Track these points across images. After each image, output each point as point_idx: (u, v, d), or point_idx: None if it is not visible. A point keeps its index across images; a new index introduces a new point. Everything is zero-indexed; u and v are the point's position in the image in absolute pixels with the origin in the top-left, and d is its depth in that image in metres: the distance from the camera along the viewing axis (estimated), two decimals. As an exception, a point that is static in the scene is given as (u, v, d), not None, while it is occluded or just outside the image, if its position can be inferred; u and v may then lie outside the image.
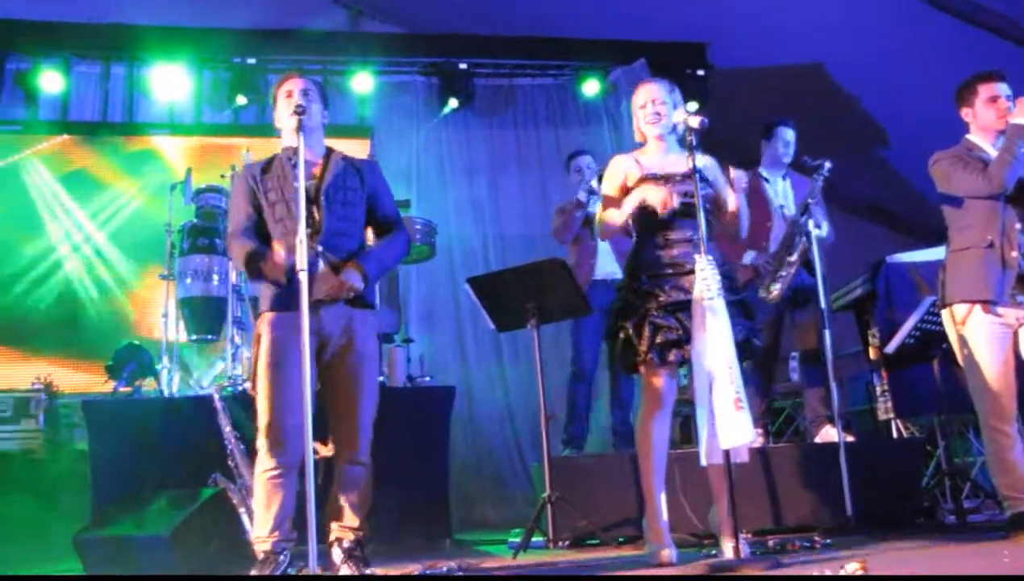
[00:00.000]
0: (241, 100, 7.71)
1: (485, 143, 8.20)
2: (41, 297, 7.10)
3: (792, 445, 5.25)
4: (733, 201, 3.76)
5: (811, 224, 4.88)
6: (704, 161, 3.75)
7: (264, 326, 3.51)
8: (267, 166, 3.64)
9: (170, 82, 7.68)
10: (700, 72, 7.97)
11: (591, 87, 8.20)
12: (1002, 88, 4.00)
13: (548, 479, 4.37)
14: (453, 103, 7.99)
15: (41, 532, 4.81)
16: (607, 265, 5.50)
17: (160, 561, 3.95)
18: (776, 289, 4.98)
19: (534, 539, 4.38)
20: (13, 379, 6.65)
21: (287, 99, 3.61)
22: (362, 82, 7.92)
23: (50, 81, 7.53)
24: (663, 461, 3.65)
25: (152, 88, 7.74)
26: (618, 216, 3.74)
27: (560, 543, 4.36)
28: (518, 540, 4.32)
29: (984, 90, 4.02)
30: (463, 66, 8.07)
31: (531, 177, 7.97)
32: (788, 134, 5.36)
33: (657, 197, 3.62)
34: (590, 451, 5.44)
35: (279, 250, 3.32)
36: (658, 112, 3.79)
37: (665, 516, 3.62)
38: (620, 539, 4.34)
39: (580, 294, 4.81)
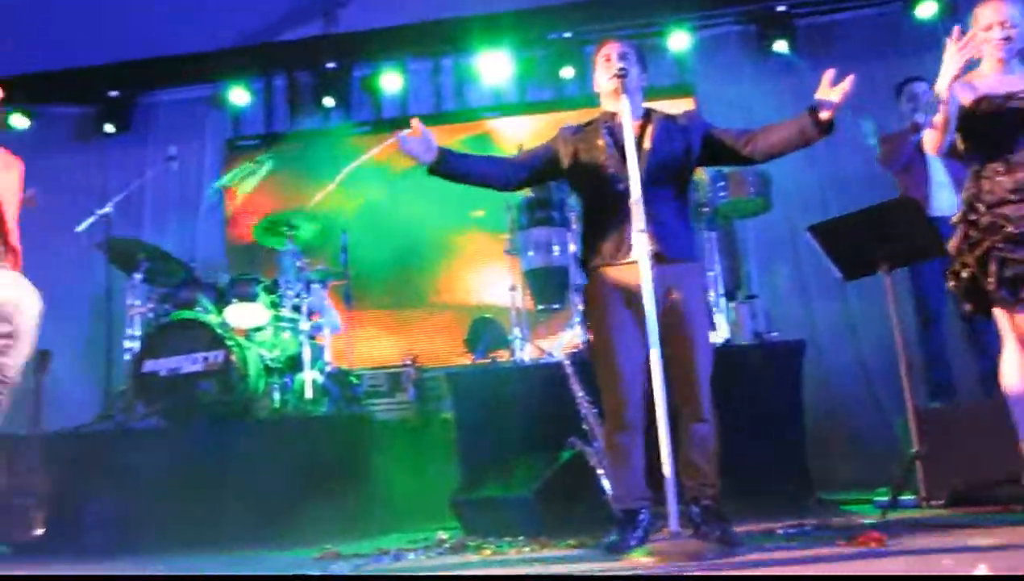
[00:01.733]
0: (566, 72, 7.88)
1: (812, 86, 7.73)
2: (399, 279, 7.75)
3: None
4: None
5: None
6: None
7: (594, 287, 3.58)
8: (581, 129, 3.72)
9: (494, 66, 8.00)
10: (1061, -28, 7.05)
11: (926, 9, 7.51)
12: None
13: (915, 433, 4.10)
14: (779, 46, 7.67)
15: (418, 495, 5.23)
16: (944, 199, 5.05)
17: (526, 520, 4.16)
18: None
19: (905, 497, 4.13)
20: (385, 356, 7.33)
21: (606, 64, 3.65)
22: (678, 40, 7.81)
23: (390, 82, 8.16)
24: None
25: (479, 74, 8.11)
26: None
27: (933, 501, 4.08)
28: (885, 499, 4.10)
29: None
30: (781, 8, 7.72)
31: (865, 115, 7.46)
32: None
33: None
34: (962, 401, 5.02)
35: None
36: (1008, 35, 3.42)
37: None
38: (1007, 497, 3.97)
39: (934, 233, 4.46)
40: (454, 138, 8.16)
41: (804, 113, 3.42)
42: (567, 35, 7.92)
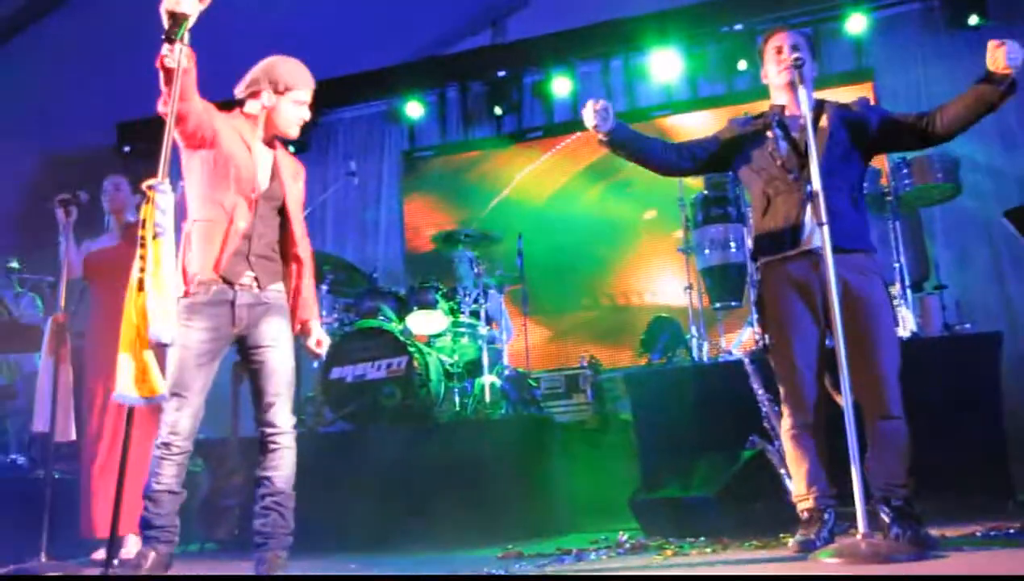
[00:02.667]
0: (740, 65, 7.72)
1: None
2: (573, 281, 7.80)
3: None
4: None
5: None
6: None
7: (768, 281, 3.54)
8: (750, 121, 3.68)
9: (664, 64, 7.94)
10: None
11: None
12: None
13: None
14: (968, 20, 7.23)
15: (598, 496, 5.24)
16: None
17: (707, 520, 4.10)
18: None
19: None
20: (563, 358, 7.40)
21: (777, 56, 3.58)
22: (856, 23, 7.51)
23: (560, 86, 8.25)
24: None
25: (649, 72, 8.06)
26: None
27: None
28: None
29: None
30: (970, -22, 7.30)
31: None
32: None
33: None
34: None
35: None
36: None
37: None
38: None
39: None
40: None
41: (980, 79, 3.25)
42: (738, 27, 7.75)
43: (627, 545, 4.00)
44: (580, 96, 8.29)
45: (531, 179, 8.33)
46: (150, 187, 2.94)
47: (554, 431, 5.67)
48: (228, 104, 3.49)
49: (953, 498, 4.13)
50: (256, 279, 3.36)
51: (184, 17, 2.96)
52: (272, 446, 3.31)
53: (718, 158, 3.73)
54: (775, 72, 3.58)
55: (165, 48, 2.99)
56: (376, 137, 8.88)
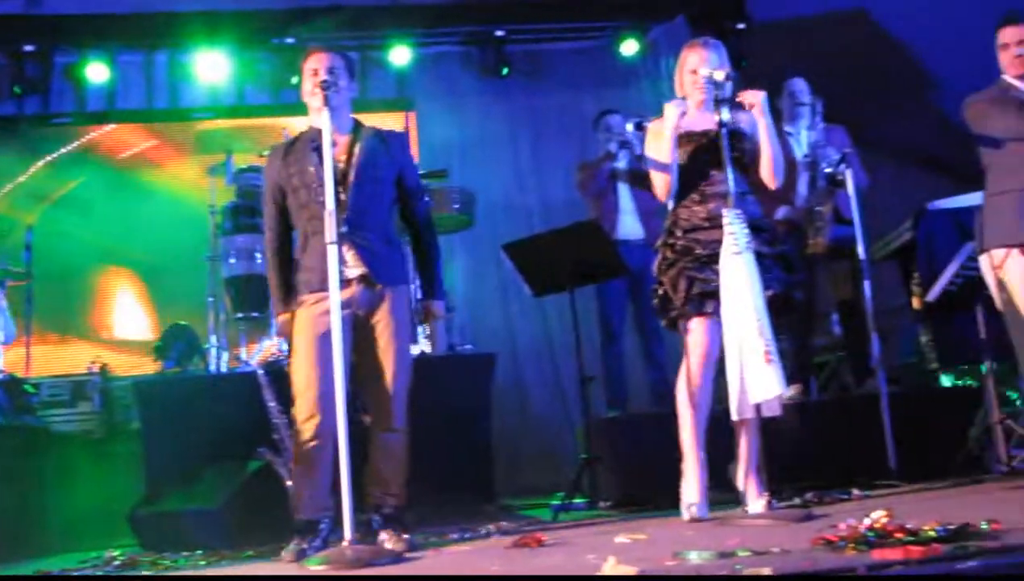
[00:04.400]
0: (294, 79, 7.71)
1: (526, 110, 8.13)
2: (89, 283, 7.31)
3: (834, 399, 5.17)
4: (766, 143, 3.69)
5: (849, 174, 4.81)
6: (740, 115, 3.70)
7: (302, 311, 3.57)
8: (289, 149, 3.67)
9: (212, 66, 7.72)
10: (740, 26, 7.79)
11: (629, 47, 8.07)
12: (1010, 34, 3.94)
13: (587, 441, 4.38)
14: (497, 70, 7.95)
15: (100, 510, 4.94)
16: (629, 224, 5.50)
17: (209, 534, 4.05)
18: (820, 240, 4.93)
19: (578, 500, 4.39)
20: (69, 364, 6.87)
21: (313, 77, 3.59)
22: (400, 55, 7.89)
23: (96, 72, 7.66)
24: (704, 417, 3.61)
25: (194, 73, 7.81)
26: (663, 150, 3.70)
27: (602, 503, 4.37)
28: (560, 502, 4.35)
29: (1000, 36, 3.98)
30: (500, 34, 8.00)
31: (573, 141, 7.82)
32: (792, 86, 5.27)
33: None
34: (633, 411, 5.43)
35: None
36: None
37: (699, 472, 3.60)
38: (666, 498, 4.31)
39: (615, 255, 4.80)
40: (162, 138, 7.85)
41: None
42: (289, 41, 7.78)
43: (117, 562, 3.82)
44: (119, 86, 7.82)
45: (53, 169, 7.66)
46: None
47: (51, 442, 5.25)
48: None
49: (445, 504, 4.48)
50: None
51: None
52: None
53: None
54: (309, 92, 3.60)
55: None
56: None
